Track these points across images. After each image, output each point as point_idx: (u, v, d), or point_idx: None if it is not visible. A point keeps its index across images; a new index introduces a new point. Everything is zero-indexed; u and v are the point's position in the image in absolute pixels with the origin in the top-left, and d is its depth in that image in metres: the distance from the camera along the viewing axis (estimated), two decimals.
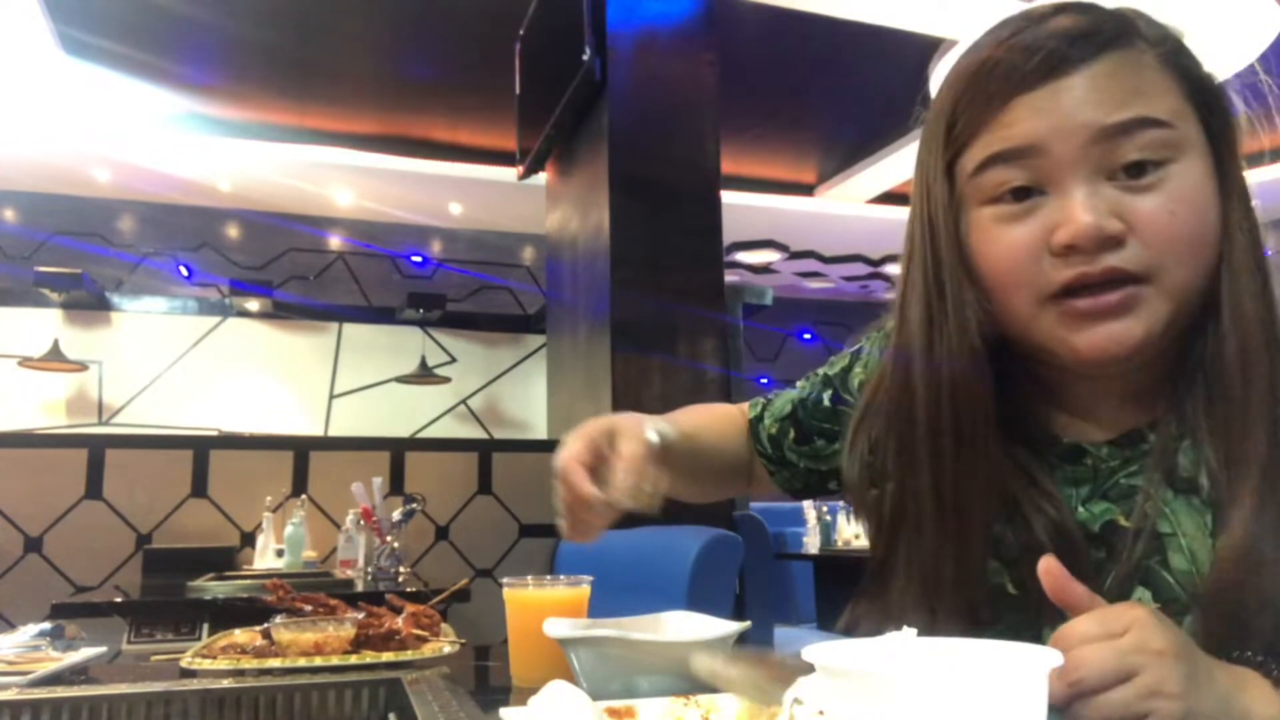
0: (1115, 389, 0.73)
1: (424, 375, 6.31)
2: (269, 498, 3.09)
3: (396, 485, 3.34)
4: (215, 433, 5.55)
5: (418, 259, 7.10)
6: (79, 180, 6.12)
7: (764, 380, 8.76)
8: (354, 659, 1.08)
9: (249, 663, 1.04)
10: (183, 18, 4.67)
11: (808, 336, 8.99)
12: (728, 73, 3.47)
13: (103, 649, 1.13)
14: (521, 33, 4.15)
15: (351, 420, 6.36)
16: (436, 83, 5.42)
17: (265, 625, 1.14)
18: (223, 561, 2.96)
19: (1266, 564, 0.63)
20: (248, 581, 2.56)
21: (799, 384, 0.98)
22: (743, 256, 7.63)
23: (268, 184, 6.23)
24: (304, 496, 3.17)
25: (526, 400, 6.51)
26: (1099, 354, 0.66)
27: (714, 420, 1.00)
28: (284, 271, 6.79)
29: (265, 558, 3.00)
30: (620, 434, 0.77)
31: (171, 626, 2.24)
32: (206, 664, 1.04)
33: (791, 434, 0.95)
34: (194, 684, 0.97)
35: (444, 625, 1.23)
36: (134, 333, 6.09)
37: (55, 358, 5.59)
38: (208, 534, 3.14)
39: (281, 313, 6.37)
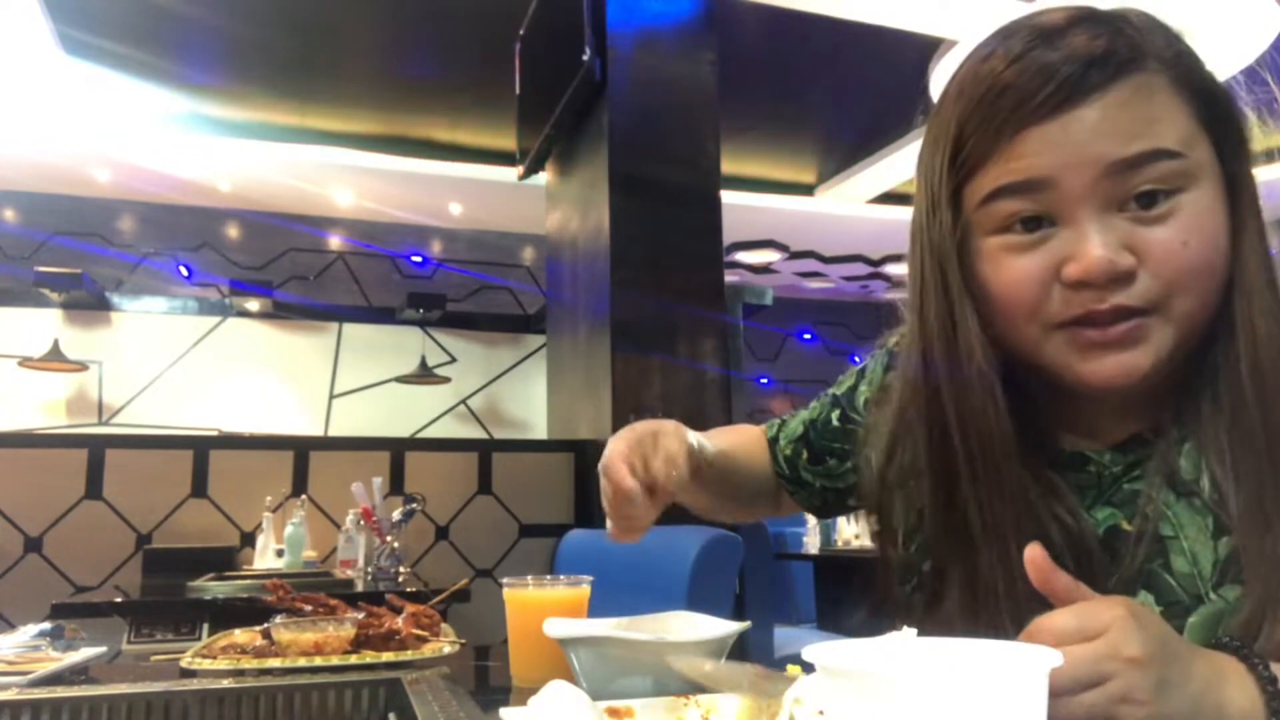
0: (1118, 401, 0.73)
1: (424, 375, 6.31)
2: (269, 498, 3.09)
3: (396, 485, 3.34)
4: (215, 433, 5.55)
5: (418, 259, 7.10)
6: (79, 180, 6.11)
7: (764, 380, 8.76)
8: (354, 659, 1.08)
9: (249, 663, 1.04)
10: (183, 18, 4.67)
11: (808, 336, 8.99)
12: (728, 73, 3.47)
13: (103, 649, 1.13)
14: (521, 33, 4.15)
15: (351, 420, 6.36)
16: (436, 83, 5.42)
17: (265, 625, 1.14)
18: (223, 561, 2.96)
19: None
20: (248, 581, 2.57)
21: (812, 404, 1.00)
22: (743, 256, 7.63)
23: (268, 184, 6.23)
24: (304, 496, 3.17)
25: (526, 400, 6.51)
26: (1106, 383, 0.67)
27: (743, 441, 1.02)
28: (284, 271, 6.79)
29: (265, 558, 3.00)
30: (663, 433, 0.82)
31: (171, 626, 2.24)
32: (206, 664, 1.04)
33: (805, 454, 0.97)
34: (194, 684, 0.97)
35: (444, 625, 1.23)
36: (134, 333, 6.10)
37: (55, 358, 5.59)
38: (208, 534, 3.14)
39: (281, 313, 6.37)
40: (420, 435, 6.22)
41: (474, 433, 6.54)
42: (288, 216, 6.75)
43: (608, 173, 3.17)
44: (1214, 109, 0.68)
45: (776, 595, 4.51)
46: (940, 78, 4.85)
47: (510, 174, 4.89)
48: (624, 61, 3.24)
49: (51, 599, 2.34)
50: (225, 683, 0.98)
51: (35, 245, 6.26)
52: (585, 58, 3.17)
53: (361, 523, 2.92)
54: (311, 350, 6.44)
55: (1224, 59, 4.72)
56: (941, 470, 0.73)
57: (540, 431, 4.59)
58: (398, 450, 3.44)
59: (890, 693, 0.43)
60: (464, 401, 6.61)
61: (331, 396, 6.44)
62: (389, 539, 2.83)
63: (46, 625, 1.16)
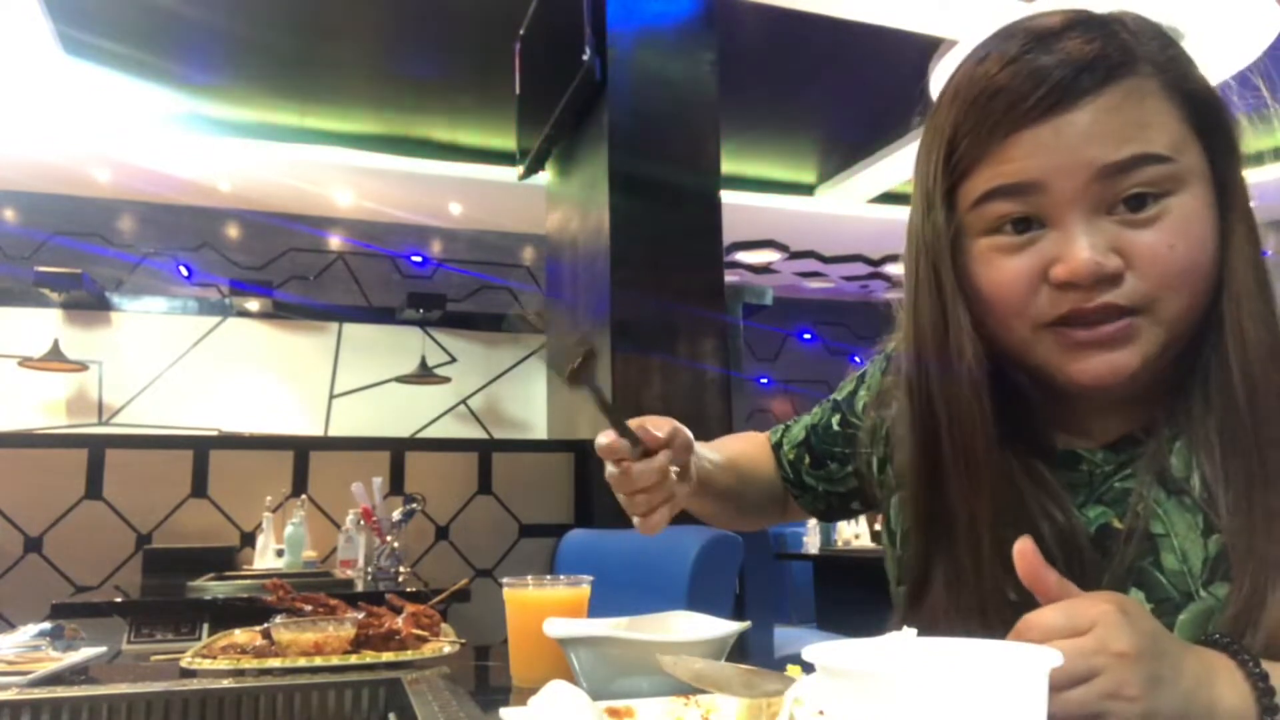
0: (1109, 401, 0.74)
1: (424, 375, 6.31)
2: (269, 498, 3.09)
3: (396, 485, 3.34)
4: (215, 433, 5.55)
5: (418, 259, 7.10)
6: (79, 180, 6.11)
7: (764, 380, 8.76)
8: (354, 659, 1.08)
9: (249, 663, 1.04)
10: (183, 18, 4.67)
11: (808, 336, 8.99)
12: (728, 73, 3.47)
13: (103, 649, 1.13)
14: (521, 33, 4.15)
15: (351, 420, 6.36)
16: (436, 83, 5.42)
17: (265, 625, 1.14)
18: (223, 561, 2.96)
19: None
20: (248, 581, 2.56)
21: (814, 409, 1.02)
22: (743, 256, 7.63)
23: (268, 184, 6.22)
24: (304, 496, 3.17)
25: (526, 400, 6.51)
26: (1095, 381, 0.68)
27: (749, 449, 1.04)
28: (284, 271, 6.79)
29: (265, 558, 3.00)
30: (652, 419, 0.82)
31: (171, 626, 2.24)
32: (206, 664, 1.04)
33: (807, 459, 0.99)
34: (194, 684, 0.97)
35: (444, 625, 1.23)
36: (134, 333, 6.10)
37: (55, 358, 5.59)
38: (208, 534, 3.14)
39: (281, 313, 6.37)
40: (420, 435, 6.22)
41: (474, 433, 6.54)
42: (288, 216, 6.75)
43: (608, 173, 3.17)
44: (1205, 113, 0.68)
45: (776, 595, 4.51)
46: (940, 78, 4.85)
47: (510, 174, 4.89)
48: (624, 61, 3.24)
49: (51, 599, 2.34)
50: (225, 683, 0.98)
51: (35, 245, 6.26)
52: (585, 58, 3.17)
53: (361, 523, 2.92)
54: (311, 350, 6.44)
55: (1223, 60, 4.72)
56: (927, 464, 0.75)
57: (540, 431, 4.59)
58: (398, 450, 3.44)
59: (890, 693, 0.43)
60: (464, 401, 6.61)
61: (331, 396, 6.44)
62: (389, 539, 2.83)
63: (46, 625, 1.16)
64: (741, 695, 0.62)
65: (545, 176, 4.17)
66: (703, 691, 0.74)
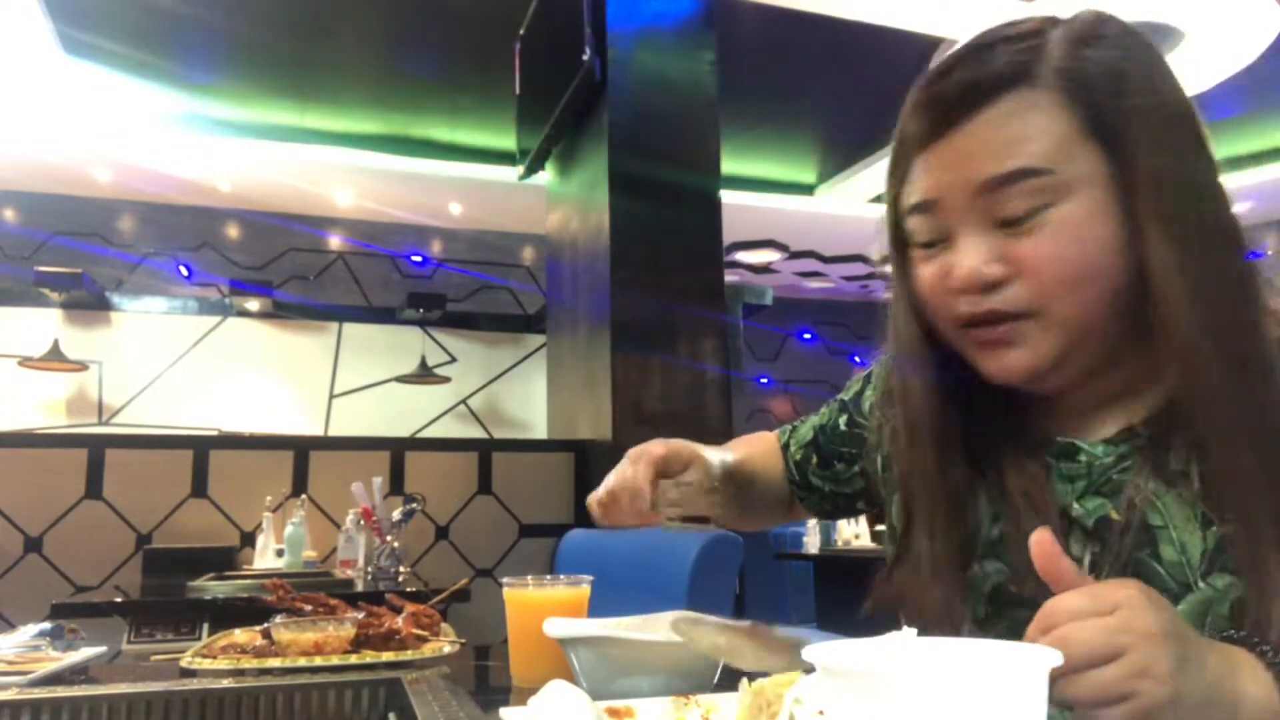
0: (1099, 394, 0.75)
1: (424, 375, 6.31)
2: (269, 498, 3.09)
3: (396, 485, 3.34)
4: (215, 433, 5.55)
5: (418, 259, 7.10)
6: (79, 180, 6.11)
7: (764, 380, 8.76)
8: (354, 659, 1.08)
9: (249, 663, 1.04)
10: (183, 18, 4.67)
11: (808, 336, 8.99)
12: (728, 73, 3.47)
13: (103, 649, 1.13)
14: (521, 33, 4.15)
15: (351, 420, 6.36)
16: (436, 83, 5.42)
17: (265, 625, 1.14)
18: (223, 561, 2.96)
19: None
20: (248, 581, 2.56)
21: (822, 409, 1.03)
22: (743, 256, 7.63)
23: (268, 184, 6.23)
24: (304, 496, 3.17)
25: (526, 400, 6.51)
26: (1003, 377, 0.73)
27: (760, 450, 1.05)
28: (284, 271, 6.79)
29: (265, 558, 3.00)
30: (695, 462, 0.87)
31: (171, 626, 2.24)
32: (206, 664, 1.04)
33: (814, 459, 1.00)
34: (194, 684, 0.97)
35: (444, 625, 1.23)
36: (134, 333, 6.09)
37: (55, 358, 5.59)
38: (208, 534, 3.14)
39: (281, 313, 6.37)
40: (420, 435, 6.22)
41: (474, 433, 6.54)
42: (288, 216, 6.75)
43: (608, 173, 3.17)
44: (1108, 121, 0.69)
45: (776, 595, 4.51)
46: None
47: (510, 174, 4.89)
48: (624, 61, 3.24)
49: (51, 599, 2.34)
50: (225, 683, 0.98)
51: (35, 245, 6.26)
52: (585, 58, 3.17)
53: (361, 523, 2.92)
54: (311, 350, 6.44)
55: (1223, 60, 4.72)
56: (895, 448, 0.83)
57: (540, 431, 4.59)
58: (398, 450, 3.44)
59: (890, 693, 0.43)
60: (464, 401, 6.61)
61: (331, 396, 6.44)
62: (389, 539, 2.84)
63: (46, 625, 1.16)
64: (752, 668, 0.65)
65: (545, 176, 4.17)
66: (702, 691, 0.74)
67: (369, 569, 2.87)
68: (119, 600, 2.32)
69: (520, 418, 6.61)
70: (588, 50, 3.16)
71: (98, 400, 5.97)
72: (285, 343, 6.39)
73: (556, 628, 0.85)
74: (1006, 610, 0.75)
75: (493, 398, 6.68)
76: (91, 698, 0.93)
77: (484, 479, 3.47)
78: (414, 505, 2.91)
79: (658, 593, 1.72)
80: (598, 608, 1.01)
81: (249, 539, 3.16)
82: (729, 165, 4.12)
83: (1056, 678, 0.51)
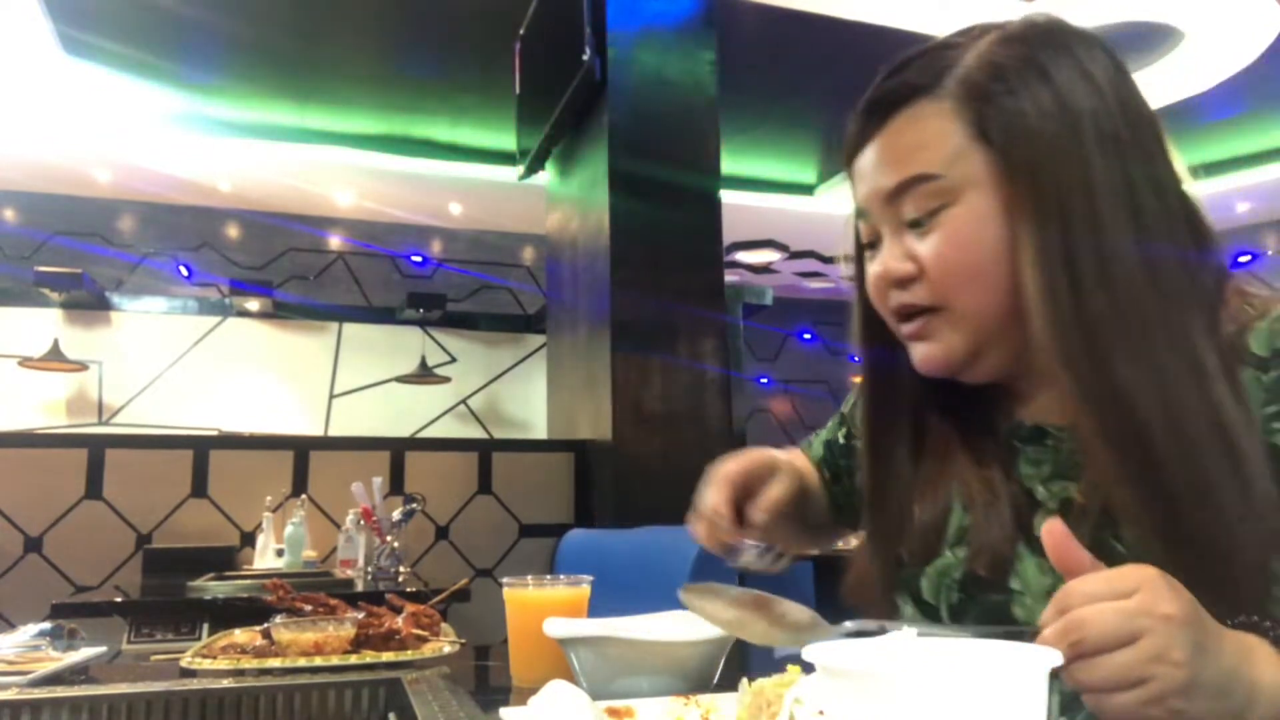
0: (1048, 381, 0.76)
1: (424, 375, 6.30)
2: (269, 498, 3.09)
3: (396, 485, 3.34)
4: (215, 433, 5.55)
5: (418, 259, 7.10)
6: (79, 180, 6.11)
7: (764, 380, 8.76)
8: (354, 659, 1.08)
9: (249, 663, 1.04)
10: (183, 18, 4.66)
11: (808, 336, 8.99)
12: (728, 73, 3.46)
13: (103, 649, 1.13)
14: (521, 33, 4.14)
15: (351, 420, 6.35)
16: (436, 83, 5.42)
17: (265, 625, 1.15)
18: (223, 561, 2.96)
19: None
20: (248, 581, 2.56)
21: (829, 423, 1.04)
22: (743, 256, 7.63)
23: (268, 184, 6.23)
24: (304, 496, 3.17)
25: (526, 400, 6.50)
26: (925, 368, 0.77)
27: (800, 461, 1.03)
28: (284, 271, 6.79)
29: (265, 558, 3.00)
30: (778, 477, 0.88)
31: (171, 626, 2.24)
32: (206, 664, 1.04)
33: (828, 476, 1.01)
34: (194, 684, 0.97)
35: (444, 625, 1.23)
36: (134, 333, 6.09)
37: (55, 358, 5.59)
38: (208, 534, 3.13)
39: (281, 313, 6.37)
40: (420, 435, 6.22)
41: (474, 433, 6.54)
42: (288, 216, 6.75)
43: (608, 173, 3.17)
44: (1004, 124, 0.70)
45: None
46: None
47: (510, 174, 4.89)
48: (624, 61, 3.24)
49: (51, 599, 2.34)
50: (225, 683, 0.98)
51: (35, 245, 6.26)
52: (585, 58, 3.17)
53: (361, 523, 2.92)
54: (311, 350, 6.43)
55: (1222, 61, 4.72)
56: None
57: (540, 431, 4.59)
58: (398, 450, 3.44)
59: (890, 693, 0.43)
60: (464, 401, 6.61)
61: (331, 396, 6.44)
62: (389, 539, 2.83)
63: (46, 625, 1.16)
64: (761, 643, 0.68)
65: (545, 176, 4.17)
66: (701, 690, 0.74)
67: (369, 569, 2.87)
68: (119, 600, 2.32)
69: (520, 418, 6.61)
70: (588, 50, 3.16)
71: (98, 400, 5.97)
72: (285, 343, 6.39)
73: (556, 628, 0.85)
74: (979, 595, 0.75)
75: (493, 398, 6.68)
76: (91, 698, 0.93)
77: (484, 479, 3.47)
78: (414, 505, 2.91)
79: (658, 593, 1.72)
80: (598, 608, 1.01)
81: (249, 539, 3.16)
82: (729, 165, 4.12)
83: (1072, 661, 0.51)
